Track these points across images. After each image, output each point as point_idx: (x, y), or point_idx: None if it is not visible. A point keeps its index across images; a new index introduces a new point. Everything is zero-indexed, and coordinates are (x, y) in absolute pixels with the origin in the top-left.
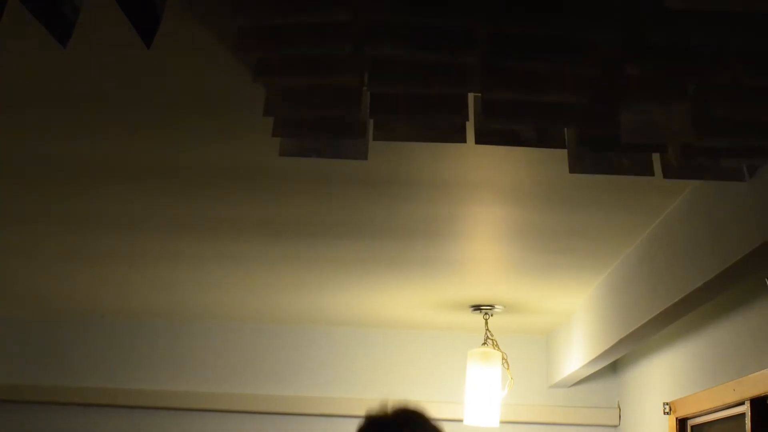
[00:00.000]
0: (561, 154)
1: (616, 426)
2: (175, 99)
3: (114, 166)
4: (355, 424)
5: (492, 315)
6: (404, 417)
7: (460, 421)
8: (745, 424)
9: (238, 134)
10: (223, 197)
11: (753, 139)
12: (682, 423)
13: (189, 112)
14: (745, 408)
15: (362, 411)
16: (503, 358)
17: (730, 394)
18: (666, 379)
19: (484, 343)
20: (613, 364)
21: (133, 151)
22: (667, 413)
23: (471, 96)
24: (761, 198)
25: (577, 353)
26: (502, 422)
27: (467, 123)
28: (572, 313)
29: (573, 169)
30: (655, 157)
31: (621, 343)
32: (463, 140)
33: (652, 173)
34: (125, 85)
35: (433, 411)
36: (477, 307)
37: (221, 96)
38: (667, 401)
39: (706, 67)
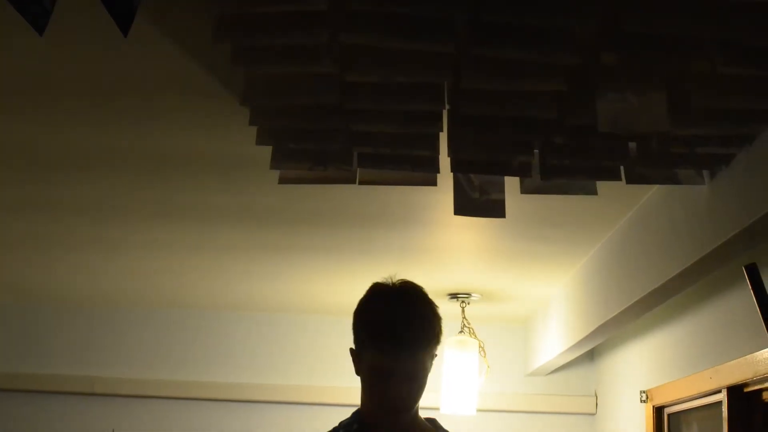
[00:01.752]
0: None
1: (593, 414)
2: (152, 87)
3: (89, 155)
4: (332, 412)
5: (469, 303)
6: (407, 286)
7: (437, 409)
8: (721, 412)
9: (215, 123)
10: (199, 185)
11: (729, 128)
12: (658, 411)
13: (166, 101)
14: (722, 396)
15: (339, 398)
16: (480, 346)
17: (707, 382)
18: (643, 367)
19: (461, 332)
20: (590, 352)
21: (108, 139)
22: (644, 401)
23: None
24: (738, 186)
25: (554, 341)
26: (478, 410)
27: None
28: (549, 301)
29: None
30: None
31: (598, 331)
32: (440, 129)
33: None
34: (101, 73)
35: None
36: (454, 296)
37: (198, 85)
38: (644, 389)
39: (683, 55)
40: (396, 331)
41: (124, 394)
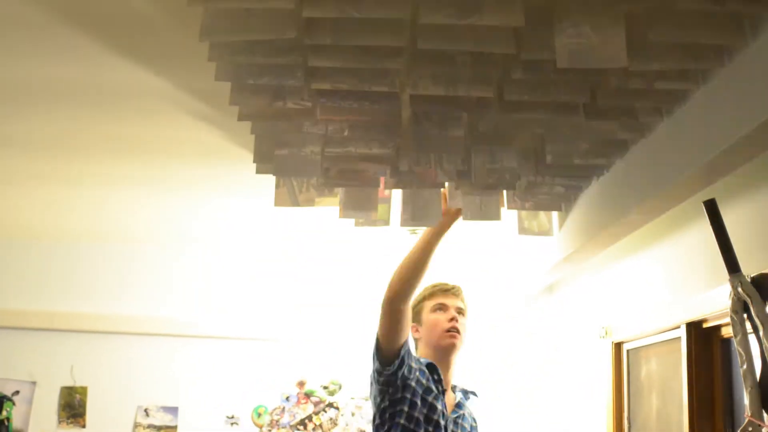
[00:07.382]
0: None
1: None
2: (105, 21)
3: (38, 88)
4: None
5: None
6: None
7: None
8: (680, 347)
9: (171, 57)
10: (156, 121)
11: (687, 63)
12: (618, 347)
13: (123, 36)
14: (681, 332)
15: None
16: None
17: (666, 318)
18: (602, 303)
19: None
20: (550, 288)
21: (60, 72)
22: (603, 337)
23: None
24: (696, 122)
25: (514, 276)
26: None
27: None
28: (509, 237)
29: None
30: None
31: (558, 266)
32: (399, 64)
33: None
34: (51, 6)
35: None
36: (414, 231)
37: (156, 19)
38: (603, 325)
39: None
40: None
41: (83, 330)
